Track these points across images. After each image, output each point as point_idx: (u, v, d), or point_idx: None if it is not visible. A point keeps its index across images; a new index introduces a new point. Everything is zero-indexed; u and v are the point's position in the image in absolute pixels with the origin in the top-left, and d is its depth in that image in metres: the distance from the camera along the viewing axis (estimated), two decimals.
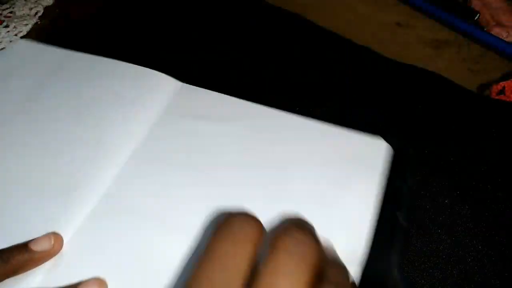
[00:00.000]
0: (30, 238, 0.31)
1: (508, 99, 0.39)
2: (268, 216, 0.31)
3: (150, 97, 0.39)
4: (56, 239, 0.31)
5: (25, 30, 0.47)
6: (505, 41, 0.44)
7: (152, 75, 0.41)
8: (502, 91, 0.40)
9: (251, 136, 0.37)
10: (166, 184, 0.34)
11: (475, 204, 0.33)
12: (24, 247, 0.29)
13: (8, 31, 0.47)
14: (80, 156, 0.36)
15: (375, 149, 0.35)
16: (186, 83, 0.41)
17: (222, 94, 0.39)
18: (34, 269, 0.30)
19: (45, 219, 0.32)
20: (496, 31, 0.45)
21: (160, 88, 0.40)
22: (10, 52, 0.45)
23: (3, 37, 0.46)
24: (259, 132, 0.37)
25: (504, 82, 0.40)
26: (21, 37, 0.47)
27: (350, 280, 0.26)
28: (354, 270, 0.29)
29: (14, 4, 0.50)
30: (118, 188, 0.34)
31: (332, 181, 0.34)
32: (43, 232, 0.31)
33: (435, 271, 0.30)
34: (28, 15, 0.49)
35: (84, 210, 0.33)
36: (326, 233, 0.28)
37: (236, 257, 0.21)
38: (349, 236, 0.31)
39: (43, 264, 0.30)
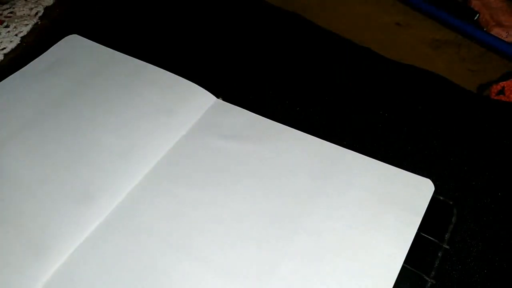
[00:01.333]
0: (42, 241, 0.31)
1: (507, 99, 0.40)
2: (281, 250, 0.30)
3: (184, 110, 0.39)
4: None
5: (25, 30, 0.47)
6: (504, 41, 0.44)
7: (191, 87, 0.40)
8: (501, 91, 0.40)
9: (279, 161, 0.35)
10: (180, 203, 0.33)
11: (475, 203, 0.33)
12: None
13: (9, 31, 0.47)
14: (102, 163, 0.35)
15: (419, 190, 0.32)
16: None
17: (256, 115, 0.38)
18: (38, 275, 0.30)
19: (58, 225, 0.32)
20: (495, 31, 0.46)
21: (196, 101, 0.40)
22: (62, 45, 0.45)
23: (3, 37, 0.46)
24: (288, 158, 0.35)
25: (503, 82, 0.40)
26: (22, 37, 0.47)
27: None
28: None
29: (14, 4, 0.50)
30: (132, 203, 0.33)
31: (365, 218, 0.31)
32: (55, 237, 0.31)
33: None
34: (28, 15, 0.49)
35: (94, 221, 0.32)
36: (349, 271, 0.28)
37: None
38: (375, 278, 0.28)
39: (47, 270, 0.30)
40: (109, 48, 0.45)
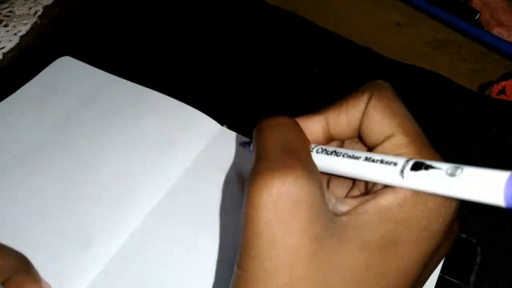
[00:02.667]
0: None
1: (508, 99, 0.39)
2: None
3: (188, 139, 0.37)
4: None
5: (24, 29, 0.47)
6: (505, 40, 0.44)
7: (194, 114, 0.38)
8: (502, 91, 0.40)
9: None
10: (185, 247, 0.31)
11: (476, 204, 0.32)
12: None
13: (8, 31, 0.47)
14: (100, 203, 0.33)
15: None
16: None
17: None
18: None
19: (54, 273, 0.30)
20: (496, 30, 0.45)
21: (199, 130, 0.37)
22: (54, 69, 0.42)
23: (2, 37, 0.46)
24: None
25: (504, 82, 0.40)
26: (21, 37, 0.47)
27: None
28: None
29: (13, 3, 0.50)
30: (133, 248, 0.31)
31: None
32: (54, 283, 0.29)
33: None
34: (27, 14, 0.49)
35: (94, 269, 0.30)
36: None
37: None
38: None
39: None
40: (104, 72, 0.42)
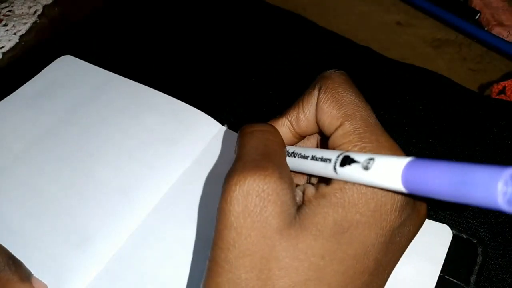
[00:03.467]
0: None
1: (508, 99, 0.39)
2: None
3: (189, 140, 0.36)
4: None
5: (24, 29, 0.47)
6: (505, 40, 0.44)
7: (194, 114, 0.37)
8: (502, 91, 0.40)
9: None
10: (179, 246, 0.30)
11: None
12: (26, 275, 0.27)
13: (7, 30, 0.47)
14: (100, 202, 0.33)
15: (436, 238, 0.30)
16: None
17: None
18: None
19: (51, 273, 0.30)
20: (496, 30, 0.45)
21: (200, 130, 0.37)
22: (54, 68, 0.42)
23: (2, 36, 0.46)
24: None
25: (504, 82, 0.40)
26: (20, 36, 0.47)
27: None
28: None
29: (13, 2, 0.50)
30: (134, 248, 0.31)
31: None
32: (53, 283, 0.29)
33: None
34: (27, 13, 0.49)
35: (93, 269, 0.30)
36: None
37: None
38: None
39: None
40: (104, 70, 0.42)
